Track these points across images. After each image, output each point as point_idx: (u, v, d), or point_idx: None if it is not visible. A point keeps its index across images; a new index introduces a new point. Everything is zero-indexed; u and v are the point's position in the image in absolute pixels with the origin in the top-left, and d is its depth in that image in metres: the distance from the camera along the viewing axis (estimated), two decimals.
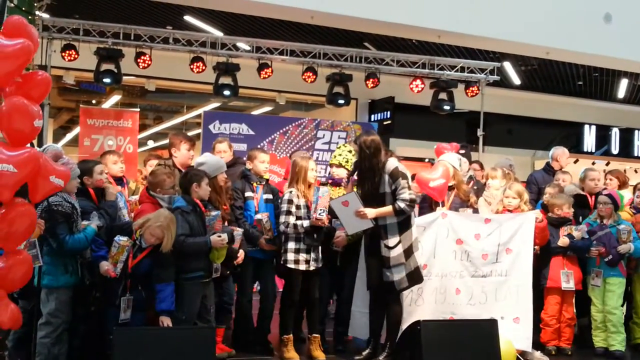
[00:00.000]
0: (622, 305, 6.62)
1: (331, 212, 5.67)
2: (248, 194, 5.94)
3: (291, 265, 5.69)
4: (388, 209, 5.44)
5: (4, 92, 3.93)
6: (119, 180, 6.14)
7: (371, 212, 5.44)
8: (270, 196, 6.00)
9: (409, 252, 5.50)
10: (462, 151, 7.35)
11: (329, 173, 6.41)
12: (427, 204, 6.22)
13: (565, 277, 6.36)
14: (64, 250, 4.75)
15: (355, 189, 5.77)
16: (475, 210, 6.36)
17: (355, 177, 5.89)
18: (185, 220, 5.12)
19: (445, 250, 5.99)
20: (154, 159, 6.53)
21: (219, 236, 5.15)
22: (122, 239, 4.86)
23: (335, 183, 6.23)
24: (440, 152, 7.05)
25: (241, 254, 5.65)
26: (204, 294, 5.24)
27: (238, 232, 5.56)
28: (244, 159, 6.39)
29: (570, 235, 6.35)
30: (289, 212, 5.68)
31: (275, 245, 5.83)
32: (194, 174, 5.36)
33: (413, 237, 5.58)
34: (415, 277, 5.54)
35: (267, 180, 6.15)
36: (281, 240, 5.79)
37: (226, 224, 5.60)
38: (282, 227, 5.70)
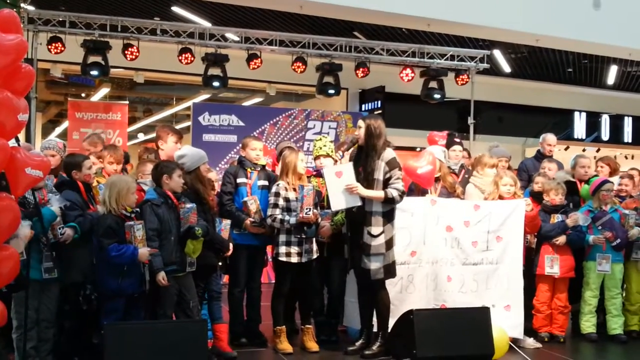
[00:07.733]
0: None
1: (321, 176, 5.65)
2: (241, 179, 5.90)
3: (283, 259, 5.65)
4: (379, 193, 5.41)
5: None
6: None
7: (362, 191, 5.39)
8: (266, 182, 5.93)
9: (389, 244, 5.48)
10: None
11: (315, 165, 6.35)
12: (415, 193, 6.20)
13: (550, 261, 6.32)
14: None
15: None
16: None
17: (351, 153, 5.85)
18: (154, 213, 4.98)
19: (435, 237, 5.99)
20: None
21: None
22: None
23: (320, 174, 6.19)
24: (433, 140, 7.06)
25: (230, 246, 5.60)
26: (180, 288, 5.11)
27: (227, 222, 5.53)
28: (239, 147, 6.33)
29: (562, 223, 6.31)
30: (275, 205, 5.65)
31: (263, 228, 5.78)
32: (164, 166, 5.23)
33: (393, 232, 5.56)
34: (391, 270, 5.52)
35: (264, 166, 6.05)
36: (273, 231, 5.76)
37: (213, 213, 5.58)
38: (269, 220, 5.68)
